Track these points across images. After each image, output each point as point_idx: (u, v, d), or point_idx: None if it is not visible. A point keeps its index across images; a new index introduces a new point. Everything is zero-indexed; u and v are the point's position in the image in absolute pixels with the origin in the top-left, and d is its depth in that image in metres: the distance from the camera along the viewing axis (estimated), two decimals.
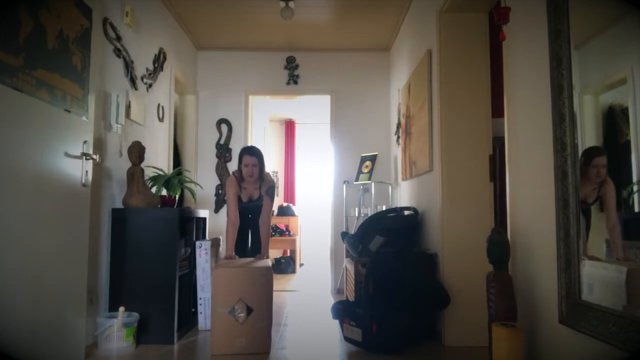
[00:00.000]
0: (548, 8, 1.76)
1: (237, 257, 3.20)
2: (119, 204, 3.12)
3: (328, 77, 5.23)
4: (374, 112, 5.20)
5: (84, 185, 2.45)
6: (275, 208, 6.89)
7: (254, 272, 2.82)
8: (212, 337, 2.73)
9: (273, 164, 7.78)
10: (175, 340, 2.97)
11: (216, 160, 5.11)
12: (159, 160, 3.97)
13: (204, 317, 3.32)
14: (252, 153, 3.27)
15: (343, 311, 2.95)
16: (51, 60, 2.18)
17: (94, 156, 2.49)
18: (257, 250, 3.42)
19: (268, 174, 3.48)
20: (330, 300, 4.45)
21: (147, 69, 3.70)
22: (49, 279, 2.17)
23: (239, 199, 3.34)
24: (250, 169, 3.23)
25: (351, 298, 3.75)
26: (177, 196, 3.41)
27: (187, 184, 3.65)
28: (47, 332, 2.16)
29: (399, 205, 4.45)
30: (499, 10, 2.05)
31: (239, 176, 3.30)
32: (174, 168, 4.27)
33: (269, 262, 3.05)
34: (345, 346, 2.93)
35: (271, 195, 3.40)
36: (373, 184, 4.70)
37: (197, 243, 3.37)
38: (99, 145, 2.89)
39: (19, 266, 1.97)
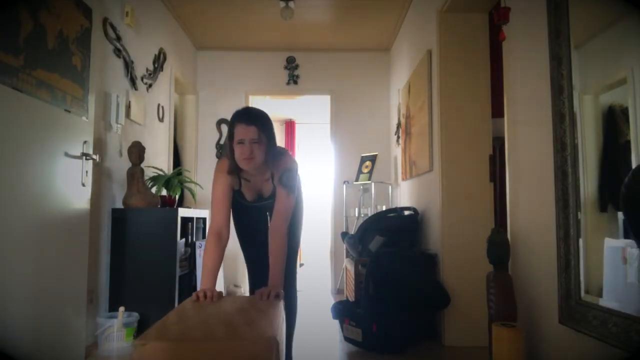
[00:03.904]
0: (548, 8, 1.76)
1: (220, 293, 1.76)
2: (119, 204, 3.11)
3: (328, 77, 5.23)
4: (374, 112, 5.20)
5: (84, 185, 2.45)
6: None
7: (232, 354, 1.24)
8: None
9: None
10: None
11: (216, 160, 5.10)
12: (159, 160, 3.97)
13: None
14: (249, 119, 1.90)
15: (343, 311, 2.96)
16: (51, 60, 2.18)
17: (94, 156, 2.49)
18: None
19: (283, 149, 2.16)
20: (330, 300, 4.45)
21: (147, 69, 3.70)
22: (49, 279, 2.17)
23: (240, 196, 2.15)
24: (248, 147, 1.87)
25: (351, 298, 3.75)
26: (177, 196, 3.41)
27: (187, 184, 3.65)
28: (47, 332, 2.16)
29: (399, 205, 4.45)
30: (499, 10, 2.05)
31: (232, 162, 1.96)
32: (174, 168, 4.26)
33: (279, 310, 1.58)
34: (345, 346, 2.93)
35: (287, 183, 2.02)
36: (373, 184, 4.69)
37: (198, 243, 3.37)
38: (99, 145, 2.89)
39: (19, 266, 1.97)
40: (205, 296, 1.70)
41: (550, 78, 1.75)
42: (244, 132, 1.88)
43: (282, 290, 1.83)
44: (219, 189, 2.04)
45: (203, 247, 3.25)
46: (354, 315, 2.86)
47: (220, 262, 1.95)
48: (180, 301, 3.05)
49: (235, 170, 2.01)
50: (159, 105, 3.99)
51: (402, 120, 4.36)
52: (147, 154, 3.36)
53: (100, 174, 2.93)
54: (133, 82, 3.39)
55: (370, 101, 5.22)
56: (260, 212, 2.24)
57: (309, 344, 3.06)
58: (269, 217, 2.21)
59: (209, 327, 1.34)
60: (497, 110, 2.82)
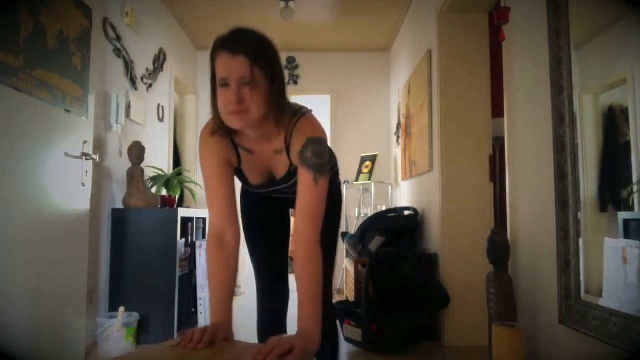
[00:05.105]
0: (548, 8, 1.76)
1: (220, 335, 1.12)
2: (119, 204, 3.11)
3: (328, 77, 5.22)
4: (374, 112, 5.20)
5: (84, 185, 2.45)
6: None
7: None
8: None
9: None
10: None
11: None
12: (159, 160, 3.96)
13: (204, 317, 3.32)
14: (235, 45, 1.21)
15: (343, 311, 2.95)
16: (51, 60, 2.18)
17: (94, 156, 2.49)
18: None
19: (304, 107, 1.32)
20: None
21: (147, 69, 3.70)
22: (49, 279, 2.17)
23: (243, 180, 1.43)
24: (235, 92, 1.19)
25: (351, 298, 3.75)
26: (177, 196, 3.41)
27: (187, 184, 3.65)
28: (47, 332, 2.16)
29: (399, 205, 4.45)
30: (499, 11, 2.05)
31: (216, 116, 1.32)
32: (174, 168, 4.26)
33: None
34: (345, 346, 2.93)
35: (314, 160, 1.21)
36: (373, 184, 4.69)
37: (197, 243, 3.37)
38: (99, 145, 2.89)
39: (19, 266, 1.97)
40: (192, 339, 1.07)
41: (550, 78, 1.75)
42: (226, 66, 1.18)
43: (316, 343, 1.08)
44: (207, 167, 1.32)
45: (203, 247, 3.28)
46: (354, 315, 2.86)
47: (232, 278, 1.27)
48: (180, 301, 3.04)
49: (221, 129, 1.29)
50: (159, 105, 3.99)
51: (402, 120, 4.36)
52: (147, 154, 3.36)
53: (100, 174, 2.93)
54: (133, 82, 3.39)
55: (370, 101, 5.22)
56: (275, 207, 1.37)
57: None
58: (287, 217, 1.44)
59: None
60: (497, 110, 2.82)
